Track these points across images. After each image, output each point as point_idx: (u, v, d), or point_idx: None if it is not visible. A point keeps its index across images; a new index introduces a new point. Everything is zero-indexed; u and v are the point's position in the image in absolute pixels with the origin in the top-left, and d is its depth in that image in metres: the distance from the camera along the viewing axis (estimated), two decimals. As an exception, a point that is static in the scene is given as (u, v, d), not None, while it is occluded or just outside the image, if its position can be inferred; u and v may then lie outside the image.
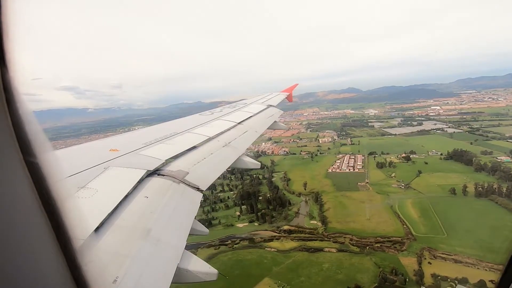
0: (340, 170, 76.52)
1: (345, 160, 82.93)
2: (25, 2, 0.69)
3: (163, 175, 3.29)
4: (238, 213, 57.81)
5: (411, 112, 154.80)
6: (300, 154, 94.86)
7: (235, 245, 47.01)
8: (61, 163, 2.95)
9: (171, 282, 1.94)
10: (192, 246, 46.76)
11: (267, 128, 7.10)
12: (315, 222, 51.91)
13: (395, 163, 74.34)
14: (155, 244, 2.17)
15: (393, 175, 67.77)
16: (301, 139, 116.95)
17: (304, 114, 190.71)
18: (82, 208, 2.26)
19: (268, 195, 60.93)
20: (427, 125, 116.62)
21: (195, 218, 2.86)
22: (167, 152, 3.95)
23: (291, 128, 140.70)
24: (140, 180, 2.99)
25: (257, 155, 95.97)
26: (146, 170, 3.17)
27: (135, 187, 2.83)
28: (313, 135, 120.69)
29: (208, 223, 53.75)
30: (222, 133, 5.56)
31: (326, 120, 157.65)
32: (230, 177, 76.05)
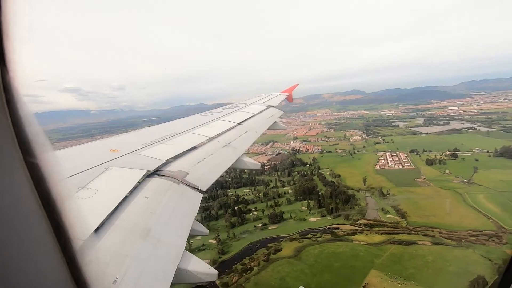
0: (388, 167, 77.24)
1: (387, 157, 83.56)
2: (26, 2, 0.69)
3: (163, 175, 3.29)
4: (303, 207, 58.37)
5: (430, 112, 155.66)
6: (336, 152, 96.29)
7: (318, 239, 47.06)
8: (61, 164, 2.96)
9: (171, 283, 1.94)
10: (274, 240, 47.85)
11: (267, 129, 7.06)
12: (392, 216, 51.88)
13: (445, 160, 74.55)
14: (155, 244, 2.17)
15: (447, 171, 67.91)
16: (328, 138, 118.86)
17: (318, 114, 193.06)
18: (82, 209, 2.26)
19: (330, 191, 61.69)
20: (455, 125, 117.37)
21: (195, 218, 2.87)
22: (167, 152, 3.95)
23: (311, 127, 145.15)
24: (140, 180, 3.00)
25: (292, 153, 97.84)
26: (146, 171, 3.18)
27: (135, 188, 2.83)
28: (339, 134, 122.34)
29: (279, 217, 54.64)
30: (222, 133, 5.56)
31: (345, 120, 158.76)
32: (277, 173, 78.22)
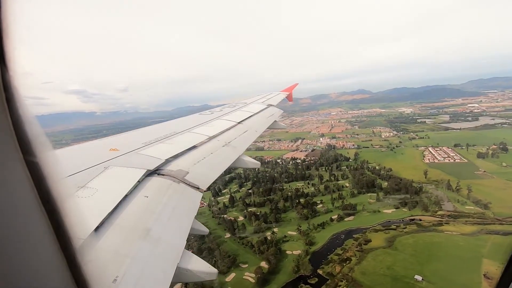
0: (438, 160, 77.37)
1: (432, 152, 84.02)
2: (26, 2, 0.71)
3: (163, 174, 3.29)
4: (371, 200, 58.92)
5: (450, 109, 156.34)
6: (373, 147, 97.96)
7: (404, 229, 47.03)
8: (61, 163, 2.97)
9: (171, 282, 1.94)
10: (356, 231, 48.05)
11: (267, 128, 7.04)
12: (471, 207, 51.19)
13: (497, 153, 74.88)
14: (155, 243, 2.17)
15: (504, 164, 68.11)
16: (357, 134, 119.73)
17: (332, 113, 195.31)
18: (82, 208, 2.26)
19: (396, 184, 61.82)
20: (485, 120, 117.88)
21: (195, 217, 2.86)
22: (167, 151, 3.95)
23: (333, 125, 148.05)
24: (140, 179, 2.99)
25: (328, 149, 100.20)
26: (146, 170, 3.17)
27: (135, 187, 2.84)
28: (367, 131, 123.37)
29: (352, 209, 55.35)
30: (222, 132, 5.55)
31: (365, 118, 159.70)
32: (323, 168, 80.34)
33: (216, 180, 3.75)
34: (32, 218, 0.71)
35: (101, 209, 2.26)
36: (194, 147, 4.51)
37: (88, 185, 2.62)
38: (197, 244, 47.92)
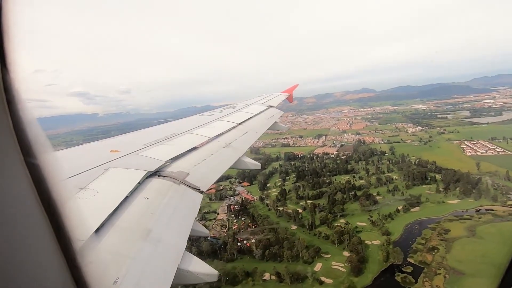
0: (481, 153, 76.75)
1: (469, 145, 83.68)
2: (26, 4, 0.71)
3: (164, 176, 3.29)
4: (428, 191, 58.84)
5: (467, 105, 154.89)
6: (404, 142, 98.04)
7: (480, 219, 46.61)
8: (62, 164, 2.97)
9: (172, 283, 1.94)
10: (431, 221, 47.40)
11: (268, 129, 7.04)
12: None
13: None
14: (156, 245, 2.17)
15: None
16: (381, 130, 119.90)
17: (344, 111, 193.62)
18: (82, 209, 2.27)
19: (452, 176, 61.23)
20: (509, 115, 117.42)
21: (195, 218, 2.86)
22: (167, 153, 3.95)
23: (352, 122, 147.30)
24: (140, 181, 2.99)
25: (359, 145, 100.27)
26: (146, 171, 3.17)
27: (135, 188, 2.83)
28: (389, 127, 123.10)
29: (417, 201, 54.89)
30: (222, 134, 5.54)
31: (381, 115, 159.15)
32: (365, 162, 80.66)
33: (217, 180, 3.74)
34: (32, 219, 0.71)
35: (102, 211, 2.27)
36: (194, 148, 4.51)
37: (88, 186, 2.63)
38: (273, 235, 47.81)
